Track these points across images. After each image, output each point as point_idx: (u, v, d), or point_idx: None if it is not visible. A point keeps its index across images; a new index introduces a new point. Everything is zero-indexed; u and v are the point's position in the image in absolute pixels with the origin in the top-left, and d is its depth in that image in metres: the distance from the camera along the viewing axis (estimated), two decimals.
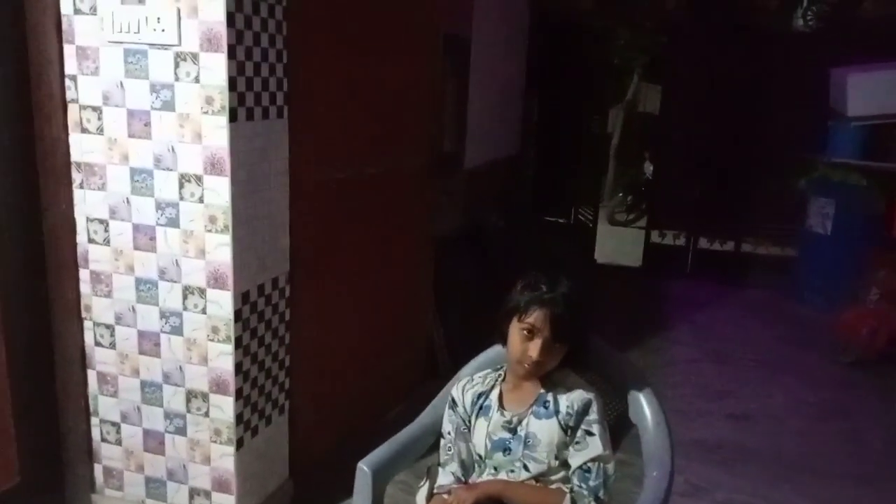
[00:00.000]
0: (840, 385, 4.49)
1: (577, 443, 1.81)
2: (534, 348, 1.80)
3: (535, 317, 1.80)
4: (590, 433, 1.80)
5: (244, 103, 2.36)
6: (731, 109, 6.44)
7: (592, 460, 1.79)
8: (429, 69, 3.66)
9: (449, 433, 1.96)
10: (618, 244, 7.83)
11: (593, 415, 1.82)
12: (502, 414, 1.88)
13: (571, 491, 1.78)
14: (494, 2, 5.19)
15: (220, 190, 2.34)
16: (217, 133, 2.31)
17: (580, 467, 1.79)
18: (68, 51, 2.40)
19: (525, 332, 1.81)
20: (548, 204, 6.90)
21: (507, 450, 1.85)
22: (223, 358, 2.48)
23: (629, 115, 10.21)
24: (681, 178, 6.84)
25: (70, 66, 2.41)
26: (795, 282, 6.09)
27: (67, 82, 2.42)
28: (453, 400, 1.97)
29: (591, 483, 1.78)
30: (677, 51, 6.88)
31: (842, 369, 4.68)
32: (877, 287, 4.63)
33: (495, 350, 2.05)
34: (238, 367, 2.50)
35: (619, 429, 1.99)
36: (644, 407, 1.94)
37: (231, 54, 2.26)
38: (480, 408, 1.91)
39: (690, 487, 3.18)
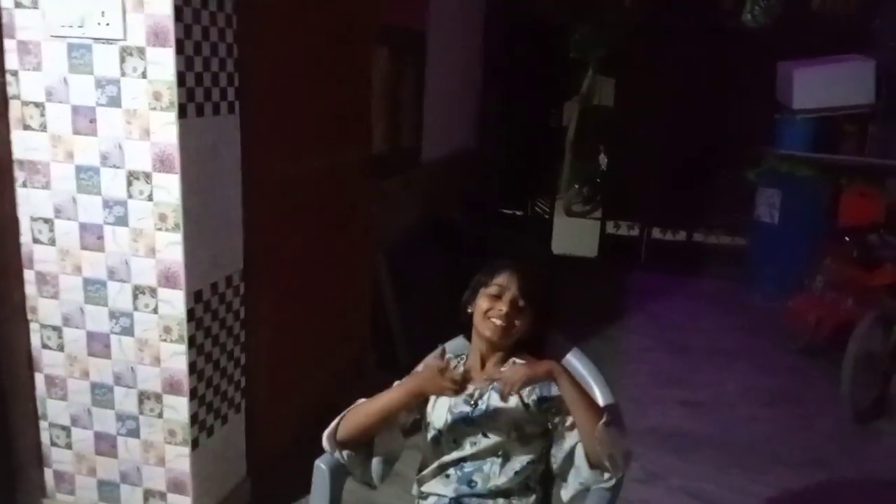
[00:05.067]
0: (790, 372, 4.60)
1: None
2: (502, 304, 1.84)
3: (501, 277, 1.87)
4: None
5: (193, 99, 2.32)
6: (683, 103, 6.56)
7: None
8: (364, 61, 3.64)
9: None
10: (574, 235, 7.89)
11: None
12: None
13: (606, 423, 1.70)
14: None
15: (169, 187, 2.30)
16: (166, 129, 2.26)
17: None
18: (9, 45, 2.32)
19: (492, 295, 1.86)
20: (505, 196, 6.95)
21: (467, 419, 1.86)
22: (176, 358, 2.44)
23: (584, 108, 10.27)
24: (635, 170, 6.95)
25: (11, 62, 2.33)
26: (746, 271, 6.23)
27: (9, 78, 2.35)
28: None
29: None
30: (632, 45, 6.96)
31: (791, 356, 4.80)
32: (822, 275, 4.73)
33: (458, 341, 2.05)
34: (192, 367, 2.47)
35: None
36: (598, 397, 1.97)
37: (179, 49, 2.22)
38: None
39: (646, 474, 3.24)
